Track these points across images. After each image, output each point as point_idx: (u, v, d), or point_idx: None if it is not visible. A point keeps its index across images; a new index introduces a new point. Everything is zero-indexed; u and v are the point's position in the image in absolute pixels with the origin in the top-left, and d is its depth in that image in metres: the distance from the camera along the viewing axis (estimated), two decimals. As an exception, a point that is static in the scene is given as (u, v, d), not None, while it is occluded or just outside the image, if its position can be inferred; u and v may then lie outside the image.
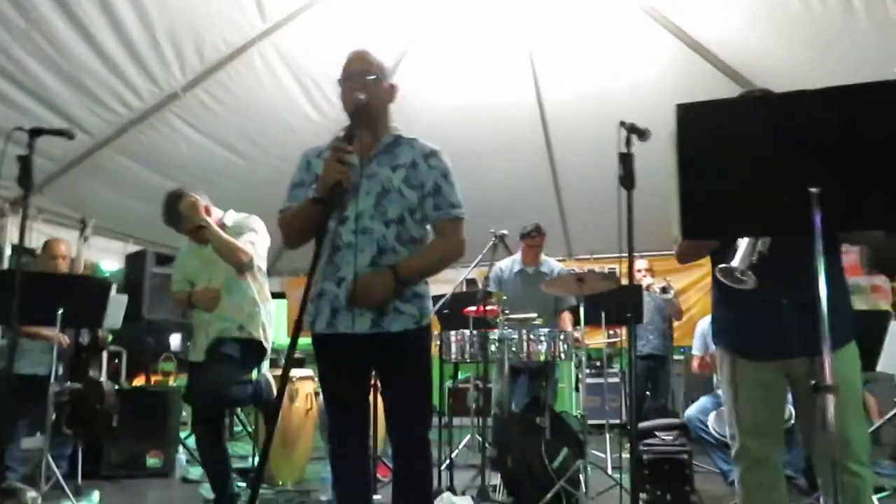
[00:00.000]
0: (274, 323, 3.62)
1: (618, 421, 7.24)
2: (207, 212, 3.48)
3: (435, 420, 3.14)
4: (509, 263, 4.77)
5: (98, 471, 4.63)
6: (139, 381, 7.70)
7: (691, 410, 4.13)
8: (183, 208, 3.41)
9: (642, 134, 2.42)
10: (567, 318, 4.82)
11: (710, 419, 3.98)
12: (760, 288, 2.17)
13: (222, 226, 3.47)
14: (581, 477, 3.76)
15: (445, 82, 6.30)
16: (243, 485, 4.32)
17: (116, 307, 4.43)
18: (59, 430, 4.05)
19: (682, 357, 6.73)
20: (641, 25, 5.56)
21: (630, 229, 2.40)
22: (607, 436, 5.20)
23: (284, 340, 9.70)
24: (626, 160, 2.32)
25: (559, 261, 8.15)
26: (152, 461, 4.78)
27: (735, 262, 2.12)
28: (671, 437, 4.19)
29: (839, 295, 2.21)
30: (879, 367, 4.11)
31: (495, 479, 3.92)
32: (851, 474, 2.12)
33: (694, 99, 6.08)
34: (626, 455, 5.21)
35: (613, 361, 7.11)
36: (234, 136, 6.11)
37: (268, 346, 3.53)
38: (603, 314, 4.97)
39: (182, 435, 5.34)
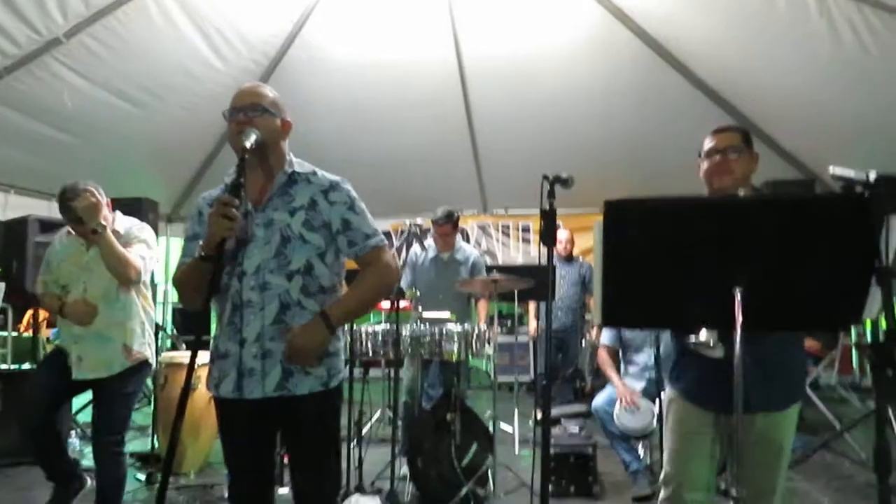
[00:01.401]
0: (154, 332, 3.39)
1: (527, 379, 7.43)
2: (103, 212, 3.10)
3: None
4: (423, 249, 4.64)
5: (-20, 461, 4.31)
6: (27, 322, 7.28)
7: (599, 400, 4.17)
8: (80, 209, 3.02)
9: (566, 182, 2.30)
10: (483, 306, 4.78)
11: (616, 410, 4.05)
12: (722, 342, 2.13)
13: (115, 232, 3.11)
14: (489, 473, 3.79)
15: (360, 36, 5.95)
16: (142, 477, 4.18)
17: (-6, 296, 4.06)
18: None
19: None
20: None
21: (552, 287, 2.31)
22: (516, 409, 5.29)
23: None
24: (548, 217, 2.19)
25: (473, 215, 8.15)
26: (42, 449, 4.47)
27: (704, 337, 2.06)
28: (577, 429, 4.28)
29: (795, 358, 2.27)
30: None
31: (405, 466, 3.91)
32: None
33: (614, 64, 5.96)
34: (531, 421, 5.35)
35: (524, 320, 7.19)
36: (126, 84, 5.65)
37: (153, 363, 3.32)
38: (515, 293, 4.97)
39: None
